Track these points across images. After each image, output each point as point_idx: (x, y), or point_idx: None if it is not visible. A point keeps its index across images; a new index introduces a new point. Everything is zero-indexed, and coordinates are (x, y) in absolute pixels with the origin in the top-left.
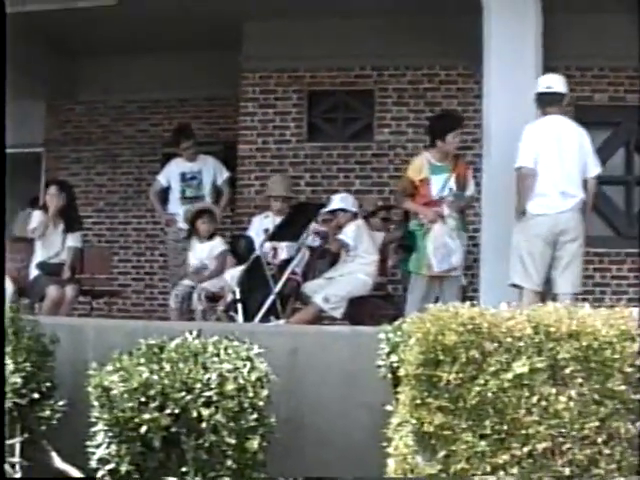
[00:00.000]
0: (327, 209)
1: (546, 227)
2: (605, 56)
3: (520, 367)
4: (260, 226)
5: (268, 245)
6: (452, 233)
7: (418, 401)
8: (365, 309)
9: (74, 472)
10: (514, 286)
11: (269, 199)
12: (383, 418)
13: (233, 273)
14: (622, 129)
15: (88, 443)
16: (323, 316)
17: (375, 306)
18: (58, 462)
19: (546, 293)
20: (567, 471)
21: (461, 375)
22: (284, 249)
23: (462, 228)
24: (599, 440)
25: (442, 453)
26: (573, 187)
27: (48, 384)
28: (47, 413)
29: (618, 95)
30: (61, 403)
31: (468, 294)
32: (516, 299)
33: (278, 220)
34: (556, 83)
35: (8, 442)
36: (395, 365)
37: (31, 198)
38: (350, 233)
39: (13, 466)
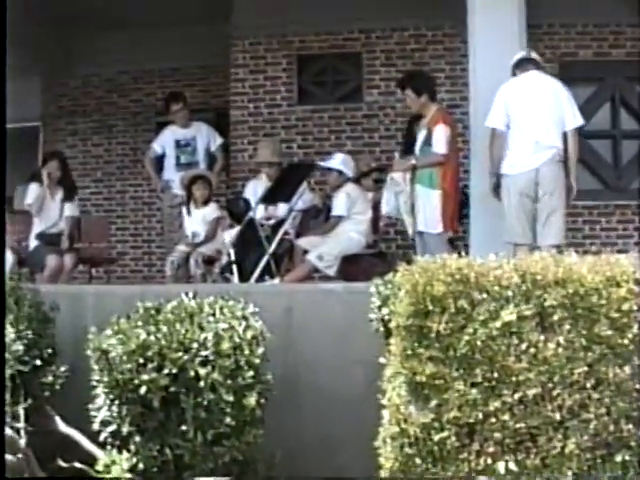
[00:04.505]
0: (326, 165)
1: (523, 182)
2: (588, 12)
3: (508, 315)
4: (254, 189)
5: (261, 207)
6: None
7: (409, 352)
8: (358, 267)
9: (78, 436)
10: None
11: (259, 164)
12: (377, 372)
13: (232, 234)
14: (607, 84)
15: (90, 406)
16: (317, 275)
17: (368, 264)
18: (62, 426)
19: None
20: (557, 416)
21: (450, 325)
22: (277, 210)
23: (427, 184)
24: (588, 385)
25: (434, 402)
26: (548, 138)
27: (49, 351)
28: (49, 379)
29: (602, 51)
30: (63, 369)
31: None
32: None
33: (270, 183)
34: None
35: (12, 409)
36: (386, 318)
37: (31, 173)
38: (342, 204)
39: (18, 432)
